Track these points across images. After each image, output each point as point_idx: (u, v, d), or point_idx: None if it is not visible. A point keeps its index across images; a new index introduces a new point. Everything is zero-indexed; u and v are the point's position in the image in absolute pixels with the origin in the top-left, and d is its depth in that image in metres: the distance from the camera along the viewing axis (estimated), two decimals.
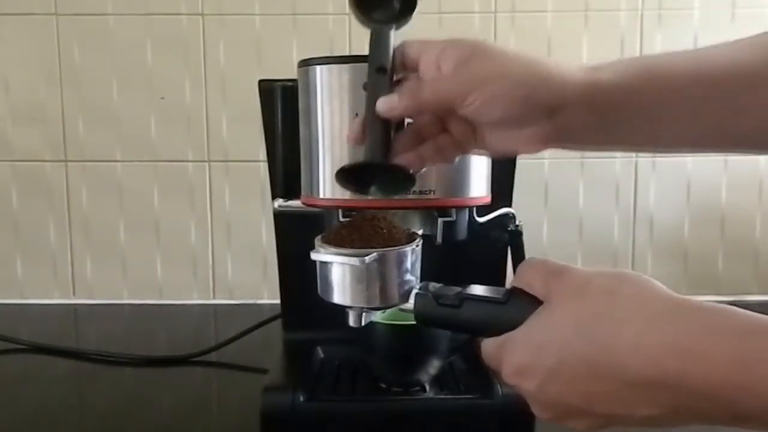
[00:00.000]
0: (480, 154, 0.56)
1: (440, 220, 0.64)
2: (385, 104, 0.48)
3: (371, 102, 0.48)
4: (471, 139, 0.50)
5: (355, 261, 0.48)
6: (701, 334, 0.37)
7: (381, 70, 0.49)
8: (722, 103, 0.46)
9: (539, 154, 0.51)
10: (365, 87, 0.50)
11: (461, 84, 0.46)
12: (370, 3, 0.51)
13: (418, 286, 0.51)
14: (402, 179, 0.48)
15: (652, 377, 0.38)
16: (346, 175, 0.48)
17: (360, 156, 0.48)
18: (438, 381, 0.72)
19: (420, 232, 0.53)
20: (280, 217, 0.79)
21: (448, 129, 0.50)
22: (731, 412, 0.37)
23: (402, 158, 0.48)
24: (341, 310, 0.54)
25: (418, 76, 0.50)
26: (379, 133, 0.48)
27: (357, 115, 0.51)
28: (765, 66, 0.45)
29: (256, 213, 1.20)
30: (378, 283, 0.49)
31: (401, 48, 0.51)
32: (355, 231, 0.53)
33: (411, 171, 0.48)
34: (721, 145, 0.50)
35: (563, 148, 0.51)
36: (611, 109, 0.47)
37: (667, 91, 0.47)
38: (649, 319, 0.39)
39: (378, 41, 0.50)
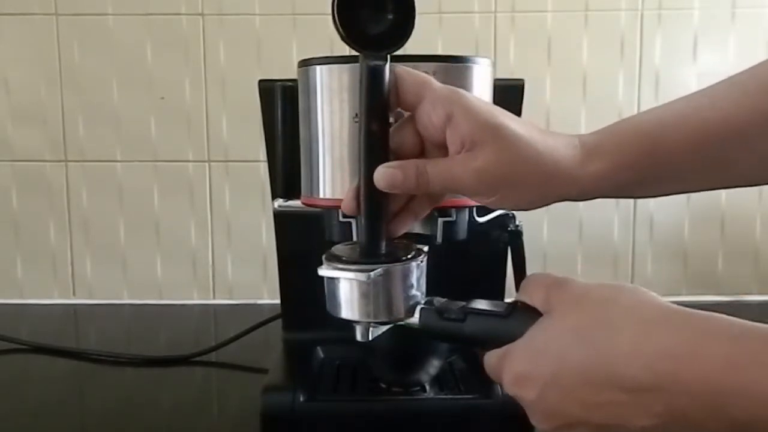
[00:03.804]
0: None
1: (440, 220, 0.63)
2: (386, 180, 0.48)
3: (369, 165, 0.48)
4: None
5: (361, 276, 0.48)
6: (694, 339, 0.38)
7: (374, 122, 0.48)
8: (717, 161, 0.49)
9: None
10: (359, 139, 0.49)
11: (473, 184, 0.48)
12: (360, 21, 0.50)
13: (423, 301, 0.51)
14: None
15: (647, 383, 0.38)
16: None
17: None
18: (438, 381, 0.72)
19: (426, 249, 0.53)
20: (280, 217, 0.79)
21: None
22: (727, 419, 0.36)
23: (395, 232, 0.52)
24: None
25: (413, 123, 0.50)
26: (375, 220, 0.49)
27: (356, 116, 0.51)
28: (755, 119, 0.47)
29: (256, 213, 1.20)
30: (383, 297, 0.50)
31: (393, 79, 0.49)
32: None
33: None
34: (713, 188, 0.53)
35: None
36: (612, 191, 0.50)
37: (666, 166, 0.49)
38: (643, 326, 0.39)
39: (373, 81, 0.49)
